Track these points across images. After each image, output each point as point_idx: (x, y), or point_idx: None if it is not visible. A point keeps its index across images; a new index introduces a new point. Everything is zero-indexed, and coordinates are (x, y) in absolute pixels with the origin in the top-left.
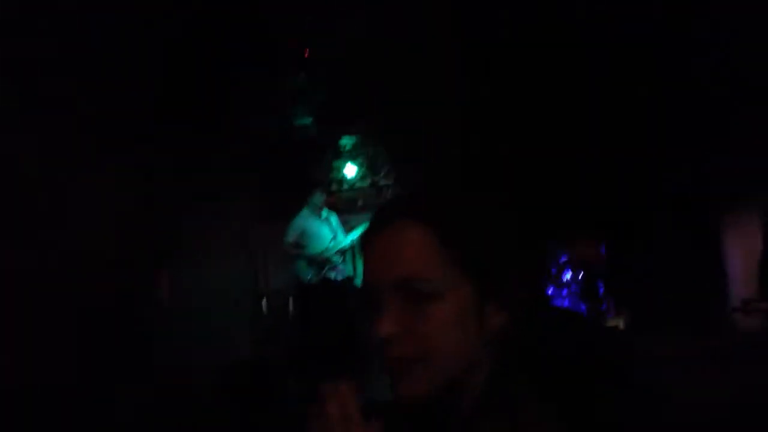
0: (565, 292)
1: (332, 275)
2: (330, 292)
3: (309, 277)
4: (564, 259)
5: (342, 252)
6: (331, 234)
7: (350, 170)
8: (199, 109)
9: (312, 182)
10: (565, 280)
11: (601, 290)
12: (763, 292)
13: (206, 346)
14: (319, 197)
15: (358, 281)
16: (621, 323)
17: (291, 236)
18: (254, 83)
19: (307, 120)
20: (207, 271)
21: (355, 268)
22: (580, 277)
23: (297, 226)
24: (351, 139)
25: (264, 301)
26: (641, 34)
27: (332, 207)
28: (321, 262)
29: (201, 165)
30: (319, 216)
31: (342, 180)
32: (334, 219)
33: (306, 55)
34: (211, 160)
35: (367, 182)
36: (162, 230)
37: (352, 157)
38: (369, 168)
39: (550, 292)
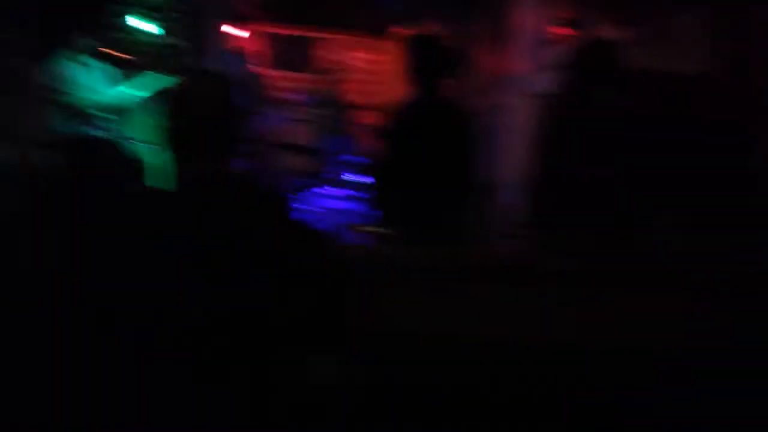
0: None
1: (94, 132)
2: (86, 149)
3: (64, 131)
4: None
5: (107, 109)
6: (97, 85)
7: (146, 26)
8: None
9: (81, 22)
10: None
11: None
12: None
13: None
14: (88, 41)
15: (131, 145)
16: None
17: (44, 78)
18: None
19: None
20: None
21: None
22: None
23: (54, 67)
24: None
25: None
26: None
27: (117, 60)
28: (80, 115)
29: None
30: (84, 63)
31: (133, 32)
32: (105, 70)
33: None
34: None
35: (163, 41)
36: None
37: (154, 16)
38: (169, 29)
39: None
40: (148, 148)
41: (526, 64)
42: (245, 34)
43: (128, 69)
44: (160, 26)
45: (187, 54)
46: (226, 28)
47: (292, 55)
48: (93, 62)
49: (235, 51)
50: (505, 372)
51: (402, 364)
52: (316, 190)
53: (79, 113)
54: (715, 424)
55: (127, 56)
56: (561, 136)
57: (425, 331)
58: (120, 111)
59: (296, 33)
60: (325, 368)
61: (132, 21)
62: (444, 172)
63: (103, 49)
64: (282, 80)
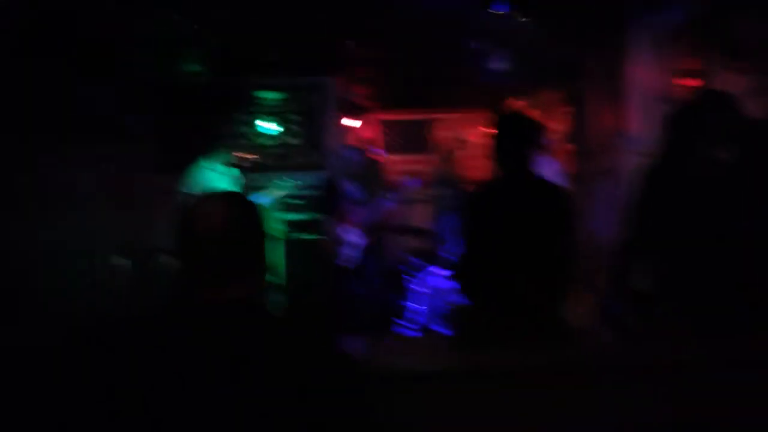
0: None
1: None
2: None
3: None
4: None
5: None
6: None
7: (268, 127)
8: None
9: (212, 135)
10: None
11: None
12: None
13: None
14: (222, 151)
15: None
16: None
17: (187, 187)
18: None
19: (196, 67)
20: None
21: None
22: None
23: (194, 177)
24: (273, 94)
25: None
26: None
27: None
28: None
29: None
30: (218, 171)
31: (257, 136)
32: (234, 176)
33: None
34: (93, 103)
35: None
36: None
37: (274, 114)
38: (287, 129)
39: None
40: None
41: (642, 120)
42: (360, 124)
43: (252, 172)
44: (280, 125)
45: (308, 151)
46: (342, 121)
47: (409, 138)
48: (224, 169)
49: (353, 142)
50: None
51: None
52: (432, 269)
53: None
54: None
55: (252, 159)
56: (658, 198)
57: None
58: None
59: (411, 117)
60: None
61: (255, 124)
62: (533, 250)
63: (236, 155)
64: (400, 164)
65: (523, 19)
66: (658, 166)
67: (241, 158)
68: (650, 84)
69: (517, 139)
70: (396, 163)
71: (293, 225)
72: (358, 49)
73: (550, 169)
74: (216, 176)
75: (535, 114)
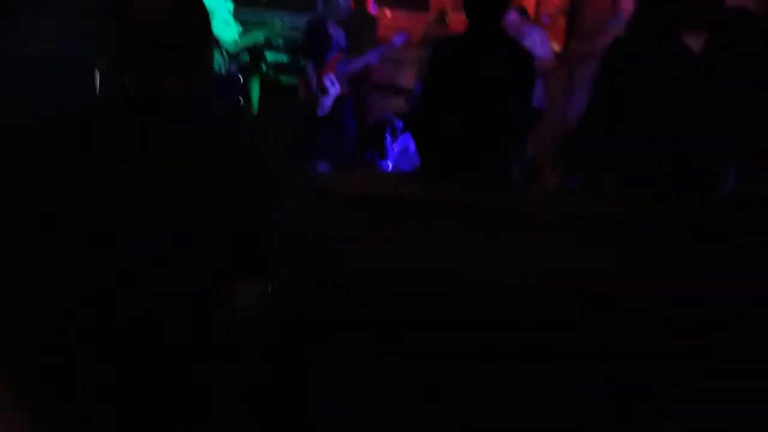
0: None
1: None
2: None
3: None
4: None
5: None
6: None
7: None
8: None
9: None
10: None
11: None
12: None
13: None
14: None
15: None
16: None
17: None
18: None
19: None
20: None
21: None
22: None
23: None
24: None
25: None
26: None
27: None
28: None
29: None
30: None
31: None
32: (228, 8)
33: None
34: None
35: None
36: None
37: None
38: None
39: None
40: None
41: None
42: None
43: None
44: None
45: None
46: None
47: None
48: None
49: None
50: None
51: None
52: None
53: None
54: None
55: None
56: (618, 75)
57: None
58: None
59: None
60: (249, 295)
61: None
62: (486, 111)
63: None
64: (393, 19)
65: None
66: (624, 43)
67: None
68: None
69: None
70: (389, 19)
71: (273, 66)
72: None
73: (534, 39)
74: (211, 4)
75: None
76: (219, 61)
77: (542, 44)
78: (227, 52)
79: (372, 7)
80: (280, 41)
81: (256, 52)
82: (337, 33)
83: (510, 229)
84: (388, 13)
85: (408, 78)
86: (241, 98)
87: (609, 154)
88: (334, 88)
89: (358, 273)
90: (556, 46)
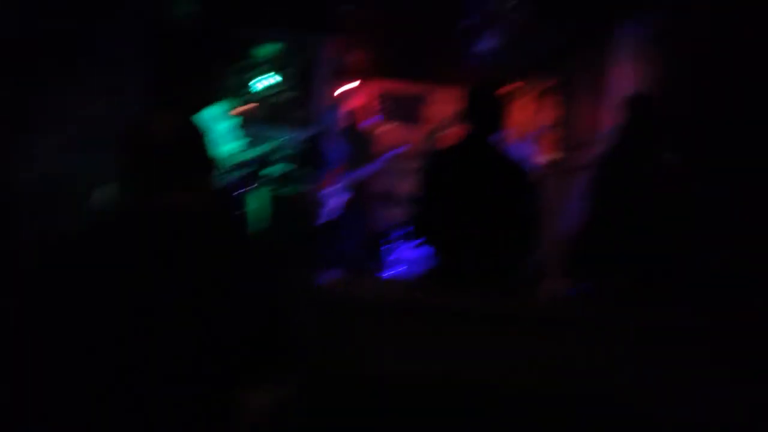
0: None
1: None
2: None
3: None
4: None
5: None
6: (223, 140)
7: (267, 81)
8: None
9: (215, 80)
10: None
11: None
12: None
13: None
14: (227, 103)
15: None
16: None
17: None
18: None
19: (188, 6)
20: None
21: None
22: None
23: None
24: (268, 48)
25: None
26: None
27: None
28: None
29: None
30: (223, 118)
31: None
32: (233, 124)
33: None
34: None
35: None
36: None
37: (274, 67)
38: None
39: None
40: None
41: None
42: (355, 88)
43: (248, 122)
44: (274, 78)
45: (298, 108)
46: (337, 83)
47: (403, 108)
48: (222, 115)
49: (345, 105)
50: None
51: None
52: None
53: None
54: None
55: (251, 109)
56: (606, 188)
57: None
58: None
59: (408, 88)
60: (262, 402)
61: (249, 76)
62: (482, 216)
63: (236, 106)
64: (391, 132)
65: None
66: (610, 159)
67: (241, 109)
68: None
69: (485, 107)
70: (387, 132)
71: (278, 179)
72: (358, 12)
73: (521, 150)
74: (215, 124)
75: (526, 100)
76: (224, 175)
77: (526, 154)
78: (233, 165)
79: (364, 123)
80: (286, 153)
81: (262, 164)
82: (337, 147)
83: (519, 334)
84: (385, 126)
85: (406, 188)
86: (243, 210)
87: (613, 260)
88: (338, 198)
89: (369, 378)
90: (546, 157)
